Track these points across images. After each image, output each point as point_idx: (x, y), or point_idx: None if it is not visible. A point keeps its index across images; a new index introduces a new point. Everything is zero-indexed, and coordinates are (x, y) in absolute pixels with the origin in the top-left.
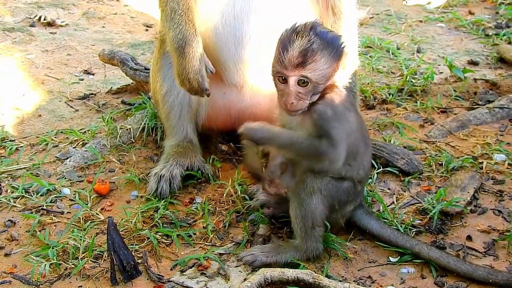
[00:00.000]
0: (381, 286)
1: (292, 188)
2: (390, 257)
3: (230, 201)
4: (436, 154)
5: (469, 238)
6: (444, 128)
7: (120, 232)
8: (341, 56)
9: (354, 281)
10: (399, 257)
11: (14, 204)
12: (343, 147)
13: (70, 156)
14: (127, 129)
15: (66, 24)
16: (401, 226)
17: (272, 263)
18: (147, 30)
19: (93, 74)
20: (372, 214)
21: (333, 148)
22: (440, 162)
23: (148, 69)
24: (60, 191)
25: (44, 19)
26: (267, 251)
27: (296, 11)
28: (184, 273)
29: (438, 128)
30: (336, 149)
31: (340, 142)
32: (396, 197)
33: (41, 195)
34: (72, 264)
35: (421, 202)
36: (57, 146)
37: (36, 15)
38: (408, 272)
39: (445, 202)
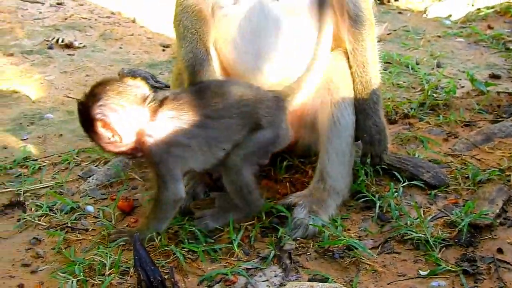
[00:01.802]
0: None
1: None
2: (420, 271)
3: (256, 216)
4: (462, 167)
5: (499, 250)
6: (468, 142)
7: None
8: (95, 123)
9: None
10: (429, 270)
11: (39, 222)
12: (174, 180)
13: (93, 174)
14: None
15: (84, 46)
16: (430, 239)
17: (221, 225)
18: (164, 50)
19: None
20: None
21: (168, 188)
22: (467, 175)
23: (169, 87)
24: (84, 208)
25: (62, 41)
26: (216, 217)
27: (314, 20)
28: None
29: (462, 141)
30: (171, 187)
31: (172, 177)
32: (423, 211)
33: (65, 213)
34: (99, 280)
35: (449, 215)
36: (79, 164)
37: (54, 38)
38: (439, 285)
39: (474, 214)
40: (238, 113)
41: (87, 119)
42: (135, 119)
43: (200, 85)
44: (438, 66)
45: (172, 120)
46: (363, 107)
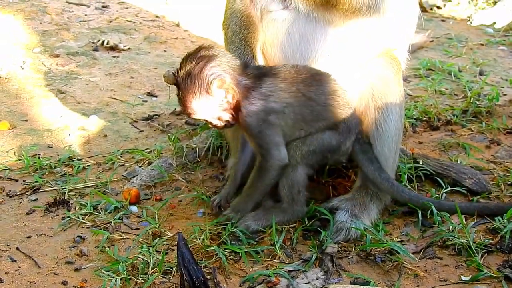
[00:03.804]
0: None
1: None
2: (461, 276)
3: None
4: (504, 174)
5: None
6: (511, 149)
7: None
8: (210, 84)
9: None
10: (471, 275)
11: (83, 221)
12: (276, 146)
13: (137, 175)
14: (192, 148)
15: (129, 48)
16: (472, 245)
17: (263, 227)
18: None
19: (156, 96)
20: (368, 154)
21: (273, 155)
22: (509, 182)
23: None
24: (128, 208)
25: (107, 44)
26: (258, 218)
27: (361, 26)
28: None
29: (505, 149)
30: (275, 154)
31: (274, 144)
32: (465, 217)
33: (109, 212)
34: (142, 279)
35: (491, 222)
36: (123, 165)
37: (99, 40)
38: None
39: None
40: (325, 104)
41: (199, 82)
42: (238, 84)
43: (299, 66)
44: (481, 73)
45: (270, 89)
46: None
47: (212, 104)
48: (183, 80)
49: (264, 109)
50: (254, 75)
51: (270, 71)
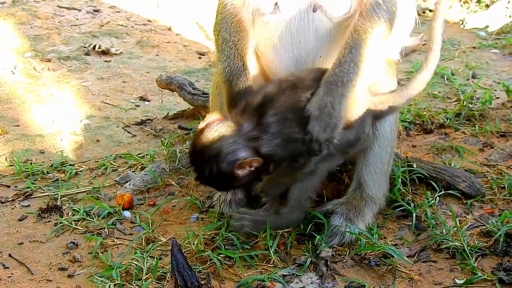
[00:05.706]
0: None
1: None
2: (456, 279)
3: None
4: (498, 177)
5: None
6: (504, 152)
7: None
8: (235, 174)
9: None
10: (465, 279)
11: (76, 227)
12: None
13: (130, 180)
14: (186, 153)
15: (121, 53)
16: (466, 248)
17: (257, 231)
18: (200, 58)
19: (148, 101)
20: None
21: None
22: (503, 185)
23: (206, 94)
24: (121, 213)
25: (99, 48)
26: (254, 221)
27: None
28: None
29: (498, 151)
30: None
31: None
32: (459, 220)
33: (102, 218)
34: (136, 285)
35: (485, 225)
36: (116, 170)
37: (91, 44)
38: None
39: (510, 224)
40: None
41: (223, 178)
42: (248, 139)
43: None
44: (474, 77)
45: (275, 117)
46: (330, 80)
47: (246, 178)
48: (210, 180)
49: (283, 141)
50: (255, 117)
51: (266, 104)
